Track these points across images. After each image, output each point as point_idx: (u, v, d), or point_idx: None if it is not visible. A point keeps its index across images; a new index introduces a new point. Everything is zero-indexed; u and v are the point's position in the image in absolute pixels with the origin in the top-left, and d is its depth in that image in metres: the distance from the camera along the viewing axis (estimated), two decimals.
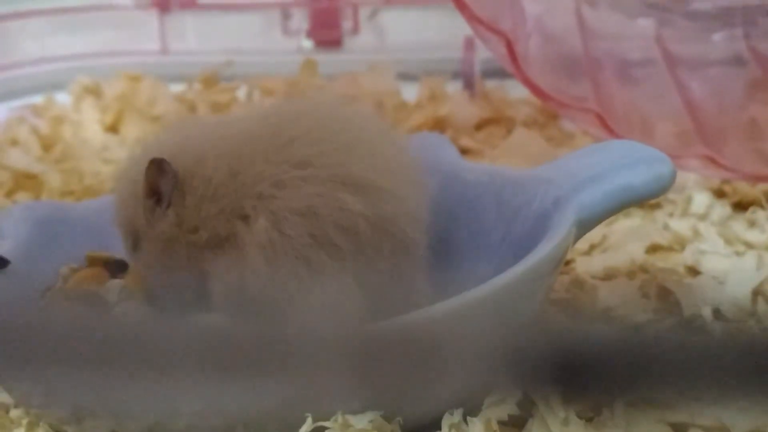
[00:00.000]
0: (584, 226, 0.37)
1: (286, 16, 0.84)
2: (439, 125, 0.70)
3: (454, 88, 0.78)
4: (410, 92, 0.76)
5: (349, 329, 0.35)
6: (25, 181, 0.63)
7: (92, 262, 0.42)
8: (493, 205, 0.42)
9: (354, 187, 0.35)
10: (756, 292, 0.45)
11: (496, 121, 0.72)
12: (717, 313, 0.43)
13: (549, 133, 0.68)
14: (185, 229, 0.36)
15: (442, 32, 0.78)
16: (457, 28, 0.70)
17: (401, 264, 0.37)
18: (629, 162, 0.38)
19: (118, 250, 0.41)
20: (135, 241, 0.38)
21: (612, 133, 0.54)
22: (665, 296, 0.45)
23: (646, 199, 0.38)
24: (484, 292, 0.31)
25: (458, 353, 0.32)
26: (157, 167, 0.36)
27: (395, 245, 0.36)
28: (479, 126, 0.71)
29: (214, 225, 0.36)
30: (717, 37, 0.71)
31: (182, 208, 0.36)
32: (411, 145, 0.46)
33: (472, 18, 0.52)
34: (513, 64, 0.52)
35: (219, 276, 0.36)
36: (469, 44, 0.77)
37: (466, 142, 0.67)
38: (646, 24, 0.71)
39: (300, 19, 0.84)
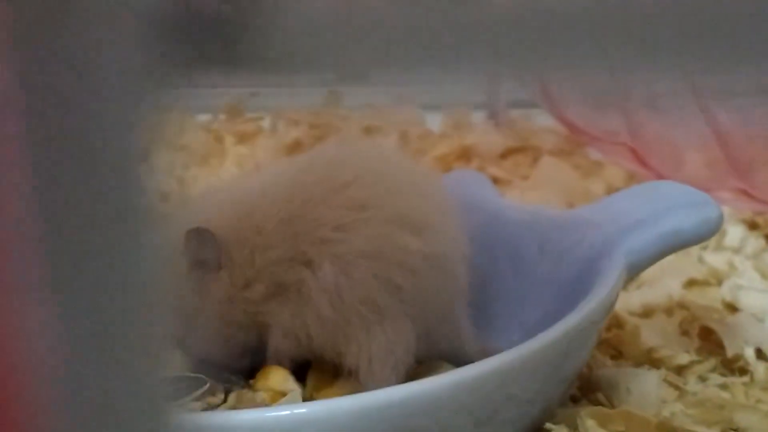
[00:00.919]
0: (633, 270, 0.37)
1: None
2: (465, 155, 0.70)
3: (478, 117, 0.78)
4: (435, 122, 0.76)
5: (398, 375, 0.35)
6: None
7: None
8: (536, 246, 0.42)
9: (411, 227, 0.36)
10: None
11: (522, 150, 0.72)
12: (759, 352, 0.43)
13: (576, 161, 0.68)
14: (240, 286, 0.36)
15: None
16: None
17: (452, 301, 0.37)
18: (676, 205, 0.38)
19: None
20: (183, 324, 0.37)
21: (645, 166, 0.54)
22: (707, 335, 0.45)
23: (694, 243, 0.38)
24: (546, 339, 0.32)
25: (517, 401, 0.32)
26: (197, 236, 0.36)
27: (448, 283, 0.37)
28: (505, 155, 0.71)
29: (273, 273, 0.36)
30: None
31: (233, 266, 0.36)
32: (449, 183, 0.47)
33: None
34: (546, 100, 0.53)
35: (281, 325, 0.36)
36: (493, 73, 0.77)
37: (493, 171, 0.67)
38: None
39: None
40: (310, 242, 0.35)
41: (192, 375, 0.36)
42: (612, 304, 0.35)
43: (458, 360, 0.38)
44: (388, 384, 0.33)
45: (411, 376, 0.36)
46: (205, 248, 0.36)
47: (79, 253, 0.16)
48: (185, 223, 0.37)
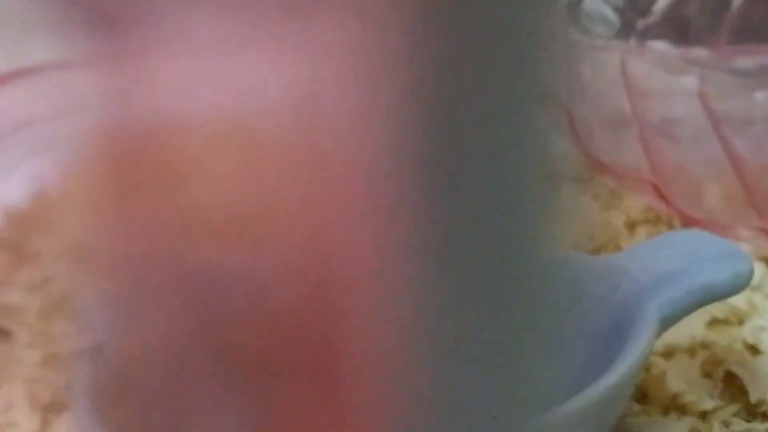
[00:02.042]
0: (664, 324, 0.38)
1: None
2: None
3: None
4: None
5: None
6: None
7: None
8: (566, 292, 0.42)
9: None
10: None
11: None
12: None
13: (595, 191, 0.69)
14: None
15: None
16: None
17: None
18: (707, 258, 0.39)
19: None
20: None
21: (666, 203, 0.55)
22: (730, 379, 0.45)
23: (724, 298, 0.38)
24: (578, 405, 0.32)
25: None
26: None
27: None
28: None
29: None
30: (759, 95, 0.71)
31: None
32: None
33: None
34: (572, 135, 0.53)
35: None
36: None
37: None
38: (688, 81, 0.72)
39: None
40: None
41: None
42: (646, 360, 0.36)
43: None
44: None
45: None
46: None
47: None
48: None
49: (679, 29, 0.73)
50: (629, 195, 0.63)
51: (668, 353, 0.48)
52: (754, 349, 0.48)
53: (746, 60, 0.74)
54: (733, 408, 0.43)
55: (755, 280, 0.55)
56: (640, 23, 0.72)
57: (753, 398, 0.44)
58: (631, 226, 0.63)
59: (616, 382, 0.33)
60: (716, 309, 0.52)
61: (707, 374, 0.46)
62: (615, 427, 0.40)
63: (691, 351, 0.48)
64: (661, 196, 0.54)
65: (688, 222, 0.57)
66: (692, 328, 0.50)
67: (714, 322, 0.51)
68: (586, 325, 0.40)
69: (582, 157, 0.54)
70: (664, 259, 0.39)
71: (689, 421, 0.41)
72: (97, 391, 0.36)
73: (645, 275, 0.39)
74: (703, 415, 0.43)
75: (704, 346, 0.49)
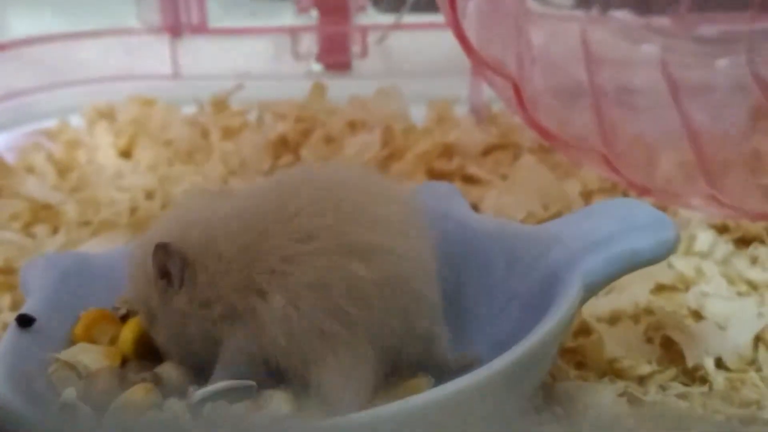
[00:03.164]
0: (590, 290, 0.38)
1: (295, 40, 0.85)
2: (447, 151, 0.71)
3: (461, 111, 0.79)
4: (419, 115, 0.77)
5: (362, 397, 0.37)
6: (43, 212, 0.64)
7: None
8: (502, 259, 0.43)
9: (359, 254, 0.37)
10: (757, 339, 0.46)
11: (503, 147, 0.73)
12: (719, 362, 0.45)
13: (555, 159, 0.69)
14: (198, 305, 0.38)
15: (450, 56, 0.79)
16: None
17: (415, 320, 0.38)
18: (635, 226, 0.39)
19: None
20: (151, 317, 0.40)
21: (616, 173, 0.55)
22: (669, 344, 0.46)
23: (649, 264, 0.39)
24: (497, 367, 0.33)
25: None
26: (164, 251, 0.38)
27: (405, 303, 0.38)
28: (486, 152, 0.72)
29: (229, 299, 0.38)
30: (721, 63, 0.72)
31: (194, 286, 0.38)
32: (421, 194, 0.48)
33: (479, 62, 0.53)
34: (519, 107, 0.53)
35: (235, 344, 0.38)
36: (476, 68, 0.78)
37: (473, 170, 0.68)
38: (650, 50, 0.72)
39: (309, 44, 0.85)
40: (262, 272, 0.37)
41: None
42: (569, 323, 0.37)
43: (437, 369, 0.39)
44: (352, 408, 0.34)
45: (387, 388, 0.38)
46: (171, 264, 0.38)
47: None
48: (156, 237, 0.39)
49: None
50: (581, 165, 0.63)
51: (614, 319, 0.49)
52: (697, 314, 0.49)
53: (709, 27, 0.74)
54: (671, 373, 0.44)
55: (704, 247, 0.56)
56: None
57: (690, 363, 0.44)
58: (587, 195, 0.64)
59: (532, 347, 0.34)
60: (664, 275, 0.53)
61: (649, 340, 0.47)
62: (548, 388, 0.41)
63: (635, 317, 0.49)
64: (611, 166, 0.55)
65: (641, 191, 0.57)
66: (638, 294, 0.51)
67: (660, 289, 0.52)
68: (520, 289, 0.41)
69: (528, 125, 0.54)
70: (594, 226, 0.40)
71: (622, 385, 0.42)
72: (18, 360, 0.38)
73: (574, 242, 0.39)
74: (641, 380, 0.44)
75: (649, 312, 0.50)
